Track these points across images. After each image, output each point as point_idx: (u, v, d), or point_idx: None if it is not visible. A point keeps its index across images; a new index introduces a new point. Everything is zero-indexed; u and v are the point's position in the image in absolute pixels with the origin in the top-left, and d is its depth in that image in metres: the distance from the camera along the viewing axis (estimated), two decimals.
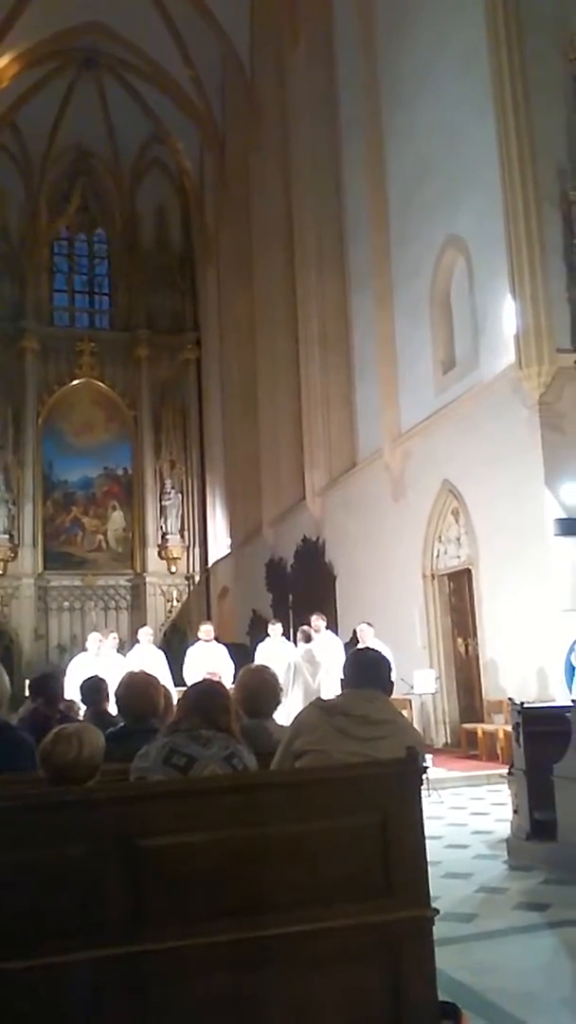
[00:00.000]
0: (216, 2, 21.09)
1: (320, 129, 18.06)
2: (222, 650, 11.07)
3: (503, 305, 11.15)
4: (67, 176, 28.01)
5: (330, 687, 9.53)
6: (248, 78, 21.94)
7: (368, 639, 10.16)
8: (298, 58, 18.69)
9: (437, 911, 2.37)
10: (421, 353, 13.88)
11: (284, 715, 3.71)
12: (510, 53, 10.88)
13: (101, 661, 9.86)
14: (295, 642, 11.00)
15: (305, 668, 9.94)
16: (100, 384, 26.67)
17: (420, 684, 11.16)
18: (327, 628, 11.22)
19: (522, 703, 6.59)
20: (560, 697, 9.29)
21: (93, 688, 5.38)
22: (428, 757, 9.22)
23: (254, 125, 21.82)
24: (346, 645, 10.96)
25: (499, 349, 11.34)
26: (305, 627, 10.76)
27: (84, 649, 11.04)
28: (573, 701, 6.37)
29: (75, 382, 26.43)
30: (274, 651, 10.78)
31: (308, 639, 10.43)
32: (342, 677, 3.04)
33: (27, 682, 8.73)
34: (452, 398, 12.68)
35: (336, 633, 12.36)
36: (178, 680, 9.86)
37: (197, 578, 26.77)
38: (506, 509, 11.10)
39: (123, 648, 12.14)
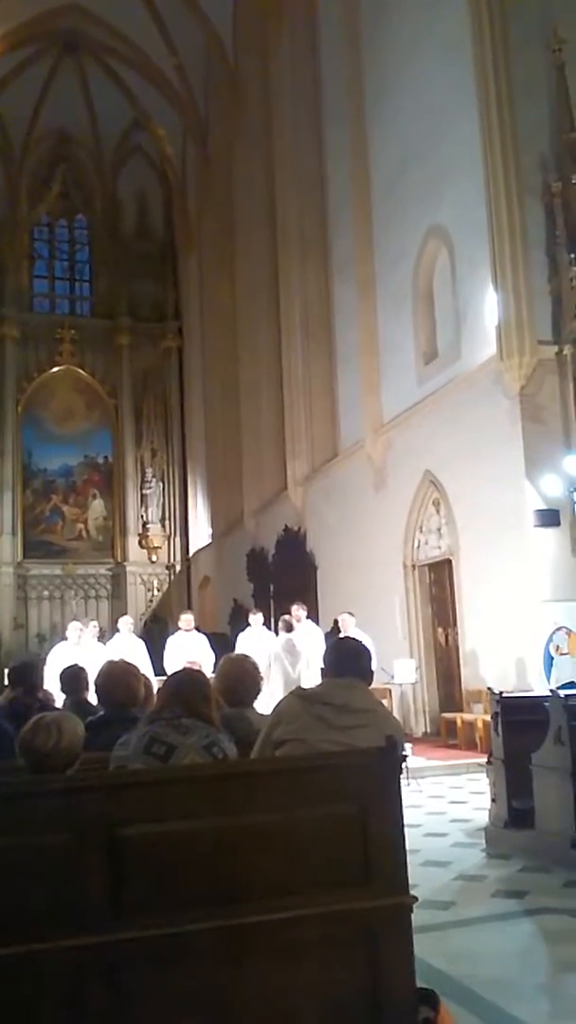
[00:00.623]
0: None
1: (303, 118, 17.99)
2: (203, 639, 11.07)
3: (485, 296, 11.17)
4: (48, 162, 27.76)
5: (310, 676, 9.54)
6: (232, 66, 21.80)
7: (350, 629, 10.19)
8: (282, 47, 18.59)
9: (416, 899, 2.38)
10: (403, 343, 13.89)
11: (264, 704, 3.72)
12: (493, 44, 10.87)
13: (81, 650, 9.82)
14: (276, 632, 11.01)
15: (285, 658, 9.96)
16: (81, 372, 26.52)
17: (400, 673, 11.21)
18: (308, 618, 11.23)
19: (501, 693, 6.63)
20: (538, 687, 9.36)
21: (73, 677, 5.36)
22: (407, 746, 9.30)
23: (237, 113, 21.69)
24: (327, 634, 10.98)
25: (481, 340, 11.36)
26: (286, 616, 10.77)
27: (64, 638, 11.00)
28: (551, 691, 6.43)
29: (55, 369, 26.27)
30: (255, 640, 10.80)
31: (289, 628, 10.43)
32: (322, 666, 3.04)
33: (6, 671, 8.67)
34: (434, 389, 12.70)
35: (317, 623, 12.39)
36: (159, 669, 9.84)
37: (178, 567, 26.74)
38: (487, 500, 11.15)
39: (104, 637, 12.09)
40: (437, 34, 12.69)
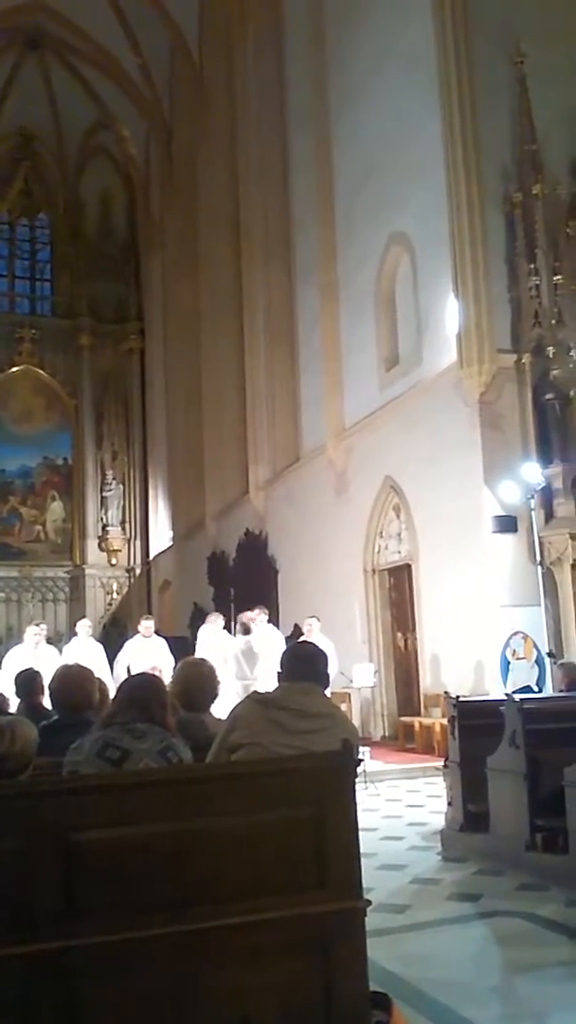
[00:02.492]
0: None
1: (268, 122, 18.03)
2: (162, 645, 10.98)
3: (446, 304, 11.28)
4: (10, 160, 27.46)
5: (268, 680, 9.54)
6: (197, 68, 21.76)
7: (314, 633, 10.20)
8: (247, 50, 18.61)
9: (369, 902, 2.39)
10: (365, 349, 13.97)
11: (222, 706, 3.70)
12: (457, 55, 11.00)
13: (38, 654, 9.70)
14: (235, 634, 10.97)
15: (243, 660, 9.93)
16: (40, 372, 26.24)
17: (359, 678, 11.25)
18: (268, 622, 11.21)
19: (457, 697, 6.69)
20: (495, 691, 9.46)
21: (27, 681, 5.28)
22: (365, 750, 9.34)
23: (202, 116, 21.66)
24: (289, 639, 10.97)
25: (441, 348, 11.47)
26: (244, 618, 10.74)
27: (20, 641, 10.85)
28: (507, 695, 6.50)
29: (14, 369, 25.96)
30: (214, 643, 10.75)
31: (247, 631, 10.41)
32: (279, 670, 3.04)
33: None
34: (395, 395, 12.79)
35: (278, 627, 12.38)
36: (115, 673, 9.75)
37: (138, 571, 26.57)
38: (446, 506, 11.25)
39: (60, 641, 11.96)
40: (402, 44, 12.80)
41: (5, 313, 26.86)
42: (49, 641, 11.00)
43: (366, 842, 2.51)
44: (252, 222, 18.26)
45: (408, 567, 12.57)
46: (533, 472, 10.18)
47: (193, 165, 22.65)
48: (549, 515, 10.42)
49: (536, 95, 10.92)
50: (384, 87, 13.40)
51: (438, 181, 11.20)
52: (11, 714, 4.63)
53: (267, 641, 10.33)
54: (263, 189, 17.92)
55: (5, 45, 24.73)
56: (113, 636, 20.21)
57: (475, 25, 11.04)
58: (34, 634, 10.26)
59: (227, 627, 11.88)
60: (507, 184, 10.88)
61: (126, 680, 2.97)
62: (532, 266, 10.57)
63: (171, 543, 24.64)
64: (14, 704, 5.35)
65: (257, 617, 10.76)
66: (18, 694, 5.28)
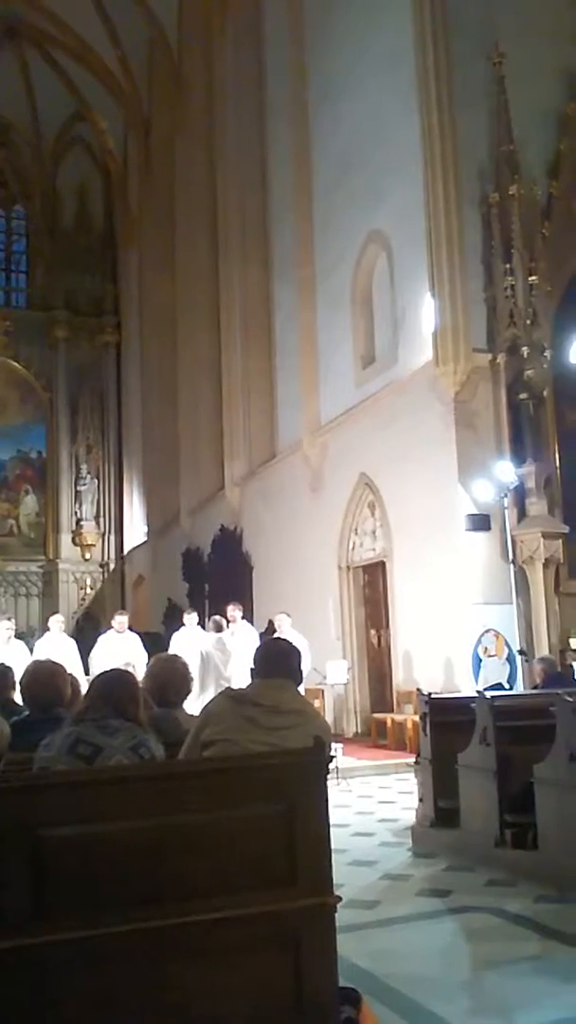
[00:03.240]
0: None
1: (246, 116, 17.97)
2: (135, 640, 10.95)
3: (422, 303, 11.32)
4: None
5: (241, 677, 9.54)
6: (175, 61, 21.66)
7: (285, 629, 10.22)
8: (226, 44, 18.55)
9: (339, 899, 2.40)
10: (342, 346, 13.99)
11: (196, 704, 3.70)
12: (436, 54, 11.03)
13: (10, 649, 9.64)
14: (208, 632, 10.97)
15: (216, 657, 9.93)
16: (15, 364, 26.02)
17: (333, 674, 11.28)
18: (243, 618, 11.22)
19: (430, 693, 6.72)
20: (467, 688, 9.53)
21: None
22: (337, 747, 9.37)
23: (180, 109, 21.56)
24: (262, 635, 10.98)
25: (417, 346, 11.51)
26: (217, 616, 10.74)
27: None
28: (478, 692, 6.55)
29: None
30: (189, 640, 10.73)
31: (219, 628, 10.42)
32: (252, 667, 3.04)
33: None
34: (371, 392, 12.82)
35: (252, 623, 12.39)
36: (88, 669, 9.71)
37: (112, 566, 26.44)
38: (420, 504, 11.30)
39: (32, 636, 11.86)
40: (381, 41, 12.81)
41: None
42: (20, 636, 10.93)
43: (337, 838, 2.52)
44: (229, 217, 18.21)
45: (382, 564, 12.61)
46: (507, 471, 10.26)
47: (171, 158, 22.55)
48: (522, 514, 10.50)
49: (514, 95, 10.97)
50: (363, 84, 13.41)
51: (416, 179, 11.24)
52: None
53: (241, 639, 10.34)
54: (241, 184, 17.88)
55: None
56: (87, 631, 20.09)
57: (454, 24, 11.07)
58: (5, 628, 10.19)
59: (200, 623, 11.87)
60: (484, 184, 10.93)
61: (98, 676, 2.95)
62: (508, 266, 10.63)
63: (145, 538, 24.55)
64: None
65: (234, 614, 10.78)
66: None
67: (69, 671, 4.02)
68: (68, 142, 27.69)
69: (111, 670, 3.04)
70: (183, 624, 11.52)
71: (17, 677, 4.61)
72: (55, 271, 26.94)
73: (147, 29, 21.79)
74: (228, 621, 10.74)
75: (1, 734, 2.63)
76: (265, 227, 17.61)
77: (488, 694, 6.08)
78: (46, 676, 3.73)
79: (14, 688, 4.87)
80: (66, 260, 27.08)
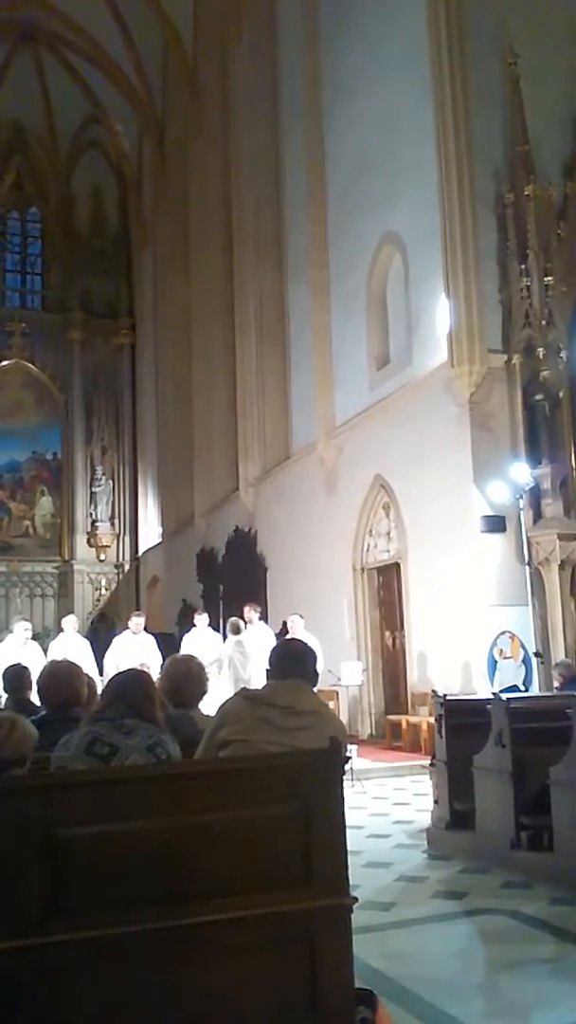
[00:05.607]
0: None
1: (261, 119, 18.00)
2: (150, 641, 10.97)
3: (437, 304, 11.30)
4: (1, 152, 27.36)
5: (260, 678, 9.56)
6: (190, 64, 21.72)
7: (298, 630, 10.21)
8: (241, 47, 18.58)
9: (355, 900, 2.39)
10: (356, 348, 13.98)
11: (212, 705, 3.71)
12: (450, 56, 11.01)
13: (27, 649, 9.69)
14: (223, 633, 10.99)
15: (236, 659, 9.95)
16: (31, 366, 26.16)
17: (347, 676, 11.27)
18: (260, 619, 11.23)
19: (445, 695, 6.71)
20: (482, 690, 9.50)
21: (15, 676, 5.28)
22: (352, 748, 9.37)
23: (195, 112, 21.62)
24: (276, 636, 10.98)
25: (432, 347, 11.49)
26: (234, 619, 10.74)
27: (10, 631, 10.81)
28: (494, 694, 6.53)
29: (5, 363, 25.87)
30: (200, 641, 10.75)
31: (237, 630, 10.42)
32: (267, 667, 3.05)
33: None
34: (386, 394, 12.80)
35: (266, 624, 12.38)
36: (103, 670, 9.74)
37: (127, 567, 26.52)
38: (435, 505, 11.27)
39: (47, 637, 11.92)
40: (396, 43, 12.80)
41: None
42: (36, 637, 10.99)
43: (352, 840, 2.52)
44: (244, 219, 18.24)
45: (397, 566, 12.59)
46: (522, 472, 10.22)
47: (185, 161, 22.61)
48: (537, 515, 10.46)
49: (529, 96, 10.94)
50: (377, 86, 13.40)
51: (430, 181, 11.22)
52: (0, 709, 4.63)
53: (258, 639, 10.35)
54: (255, 186, 17.90)
55: None
56: (101, 632, 20.19)
57: (468, 25, 11.05)
58: (23, 630, 10.24)
59: (213, 624, 11.89)
60: (499, 185, 10.90)
61: (114, 676, 2.97)
62: (523, 267, 10.59)
63: (160, 539, 24.60)
64: (2, 699, 5.35)
65: (251, 615, 10.80)
66: (6, 689, 5.28)
67: (85, 671, 4.04)
68: (83, 145, 27.82)
69: (127, 670, 3.06)
70: (194, 625, 11.54)
71: (33, 677, 4.64)
72: (70, 273, 27.06)
73: (162, 33, 21.87)
74: (245, 622, 10.76)
75: (29, 735, 2.65)
76: (279, 229, 17.63)
77: (504, 696, 6.05)
78: (63, 676, 3.75)
79: (31, 688, 4.90)
80: (81, 262, 27.20)
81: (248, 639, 10.33)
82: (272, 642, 10.15)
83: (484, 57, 11.06)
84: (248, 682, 9.48)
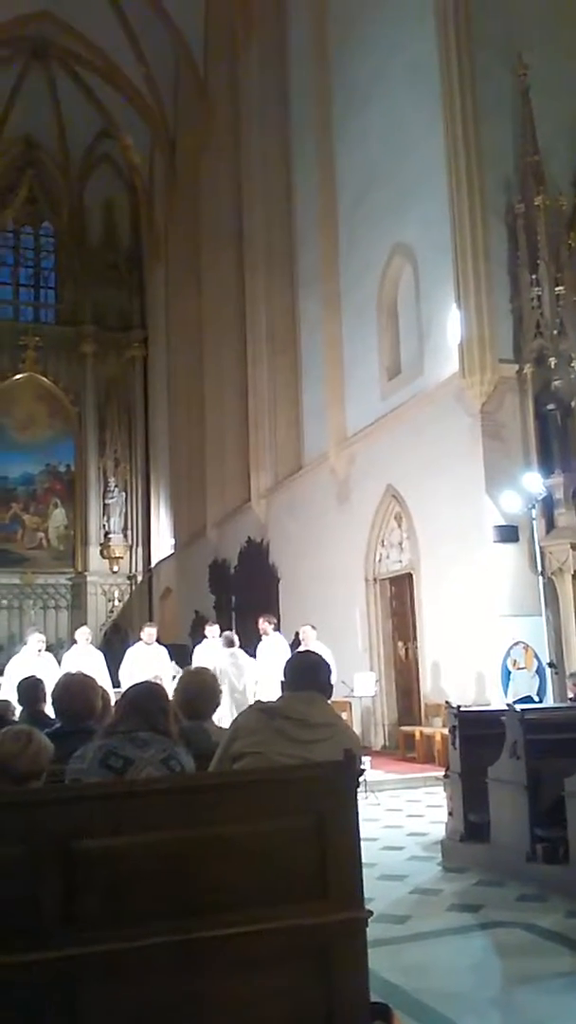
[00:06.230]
0: (171, 1, 20.99)
1: (271, 131, 18.10)
2: (163, 653, 11.00)
3: (448, 314, 11.31)
4: (14, 168, 27.58)
5: (254, 691, 9.79)
6: (201, 78, 21.88)
7: (311, 641, 10.21)
8: (251, 60, 18.71)
9: (371, 913, 2.39)
10: (367, 358, 14.00)
11: (214, 719, 3.74)
12: (460, 67, 11.05)
13: (42, 661, 9.73)
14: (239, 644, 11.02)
15: (231, 672, 10.00)
16: (44, 379, 26.31)
17: (360, 687, 11.25)
18: (274, 630, 11.25)
19: (459, 707, 6.68)
20: (496, 701, 9.45)
21: (30, 688, 5.30)
22: (366, 760, 9.35)
23: (206, 125, 21.76)
24: (290, 647, 10.98)
25: (443, 357, 11.50)
26: (228, 632, 10.84)
27: (25, 643, 10.86)
28: (508, 705, 6.50)
29: (18, 376, 26.03)
30: (211, 653, 10.77)
31: (231, 643, 10.53)
32: (282, 679, 3.05)
33: None
34: (397, 404, 12.81)
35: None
36: (117, 681, 9.77)
37: (140, 578, 26.57)
38: (448, 515, 11.26)
39: (61, 648, 11.95)
40: (405, 55, 12.86)
41: (9, 321, 26.93)
42: (49, 648, 11.03)
43: (366, 852, 2.51)
44: (255, 231, 18.33)
45: (409, 576, 12.57)
46: (534, 482, 10.20)
47: (196, 174, 22.75)
48: (550, 525, 10.42)
49: (539, 107, 10.97)
50: (387, 98, 13.46)
51: (441, 192, 11.25)
52: (14, 721, 4.64)
53: (272, 651, 10.39)
54: (266, 198, 17.99)
55: (11, 54, 24.87)
56: (115, 643, 20.22)
57: (478, 37, 11.10)
58: (37, 641, 10.28)
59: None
60: (509, 195, 10.92)
61: (129, 689, 2.98)
62: (534, 277, 10.60)
63: (173, 551, 24.65)
64: (17, 711, 5.36)
65: (265, 627, 10.86)
66: (20, 701, 5.30)
67: (99, 684, 4.05)
68: (95, 159, 28.03)
69: (142, 683, 3.07)
70: (205, 637, 11.56)
71: (47, 689, 4.66)
72: (83, 287, 27.23)
73: (173, 46, 22.04)
74: (261, 633, 10.82)
75: (45, 749, 2.67)
76: (290, 241, 17.70)
77: (518, 707, 6.03)
78: (78, 688, 3.77)
79: (45, 700, 4.92)
80: (93, 276, 27.37)
81: (242, 653, 10.42)
82: (287, 654, 10.16)
83: (494, 68, 11.10)
84: (243, 693, 9.60)
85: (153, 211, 27.05)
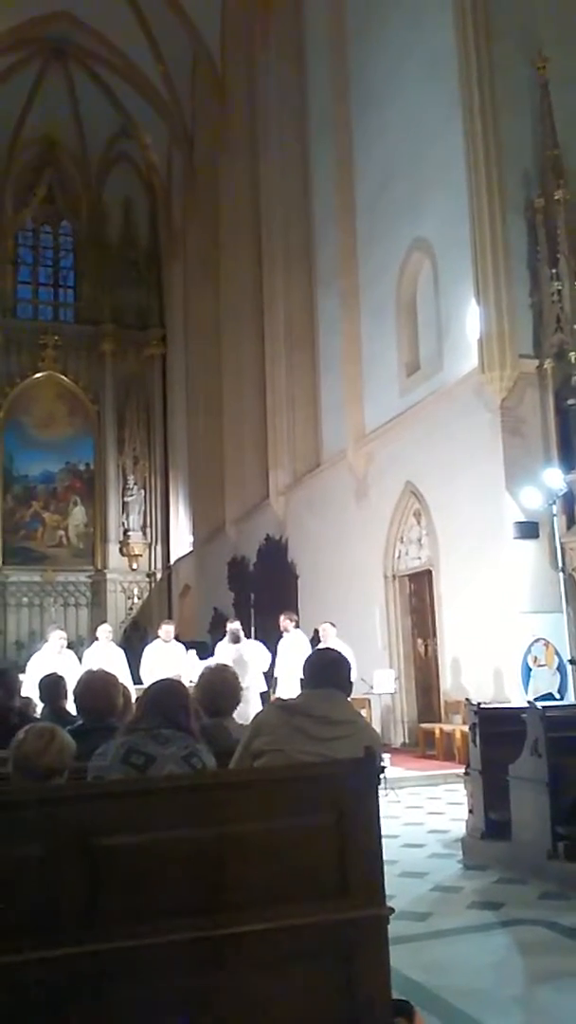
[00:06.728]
0: None
1: (289, 128, 18.08)
2: (180, 650, 11.03)
3: (467, 309, 11.26)
4: (33, 167, 27.73)
5: (258, 688, 9.90)
6: (218, 76, 21.89)
7: (330, 639, 10.21)
8: (268, 58, 18.69)
9: (392, 910, 2.39)
10: (386, 355, 13.96)
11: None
12: (478, 60, 11.00)
13: (62, 659, 9.78)
14: (259, 639, 11.05)
15: (235, 669, 10.03)
16: (63, 378, 26.45)
17: (379, 684, 11.23)
18: (295, 627, 11.26)
19: (479, 704, 6.66)
20: (516, 698, 9.41)
21: (52, 685, 5.33)
22: (386, 757, 9.35)
23: (223, 123, 21.77)
24: (309, 644, 10.99)
25: (462, 353, 11.45)
26: (234, 628, 10.85)
27: (46, 640, 10.92)
28: (529, 702, 6.47)
29: (38, 375, 26.18)
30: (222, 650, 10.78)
31: (236, 640, 10.57)
32: (302, 677, 3.05)
33: None
34: (416, 400, 12.77)
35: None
36: (138, 678, 9.81)
37: (159, 575, 26.66)
38: (467, 511, 11.21)
39: (81, 646, 12.00)
40: (423, 50, 12.81)
41: (29, 320, 27.10)
42: (70, 646, 11.09)
43: (387, 849, 2.51)
44: (273, 228, 18.32)
45: (429, 573, 12.53)
46: (555, 478, 10.13)
47: (214, 172, 22.77)
48: (571, 521, 10.35)
49: (558, 100, 10.88)
50: (405, 93, 13.41)
51: (460, 187, 11.20)
52: (36, 718, 4.68)
53: (293, 648, 10.41)
54: (284, 196, 17.98)
55: (30, 54, 25.00)
56: (134, 640, 20.31)
57: (496, 30, 11.03)
58: (58, 639, 10.34)
59: (245, 632, 11.91)
60: (529, 189, 10.86)
61: (150, 686, 2.99)
62: (554, 271, 10.53)
63: (191, 548, 24.71)
64: (39, 708, 5.40)
65: (287, 624, 10.88)
66: (42, 699, 5.33)
67: (120, 681, 4.07)
68: (113, 158, 28.12)
69: (162, 680, 3.08)
70: (225, 634, 11.57)
71: (69, 687, 4.68)
72: (102, 286, 27.33)
73: (190, 45, 22.07)
74: (282, 630, 10.84)
75: (68, 747, 2.69)
76: (309, 237, 17.68)
77: (539, 704, 6.00)
78: (100, 686, 3.79)
79: (67, 697, 4.95)
80: (112, 275, 27.47)
81: (246, 649, 10.43)
82: (308, 651, 10.17)
83: (512, 62, 11.03)
84: (247, 690, 9.62)
85: (171, 209, 27.10)
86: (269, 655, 10.69)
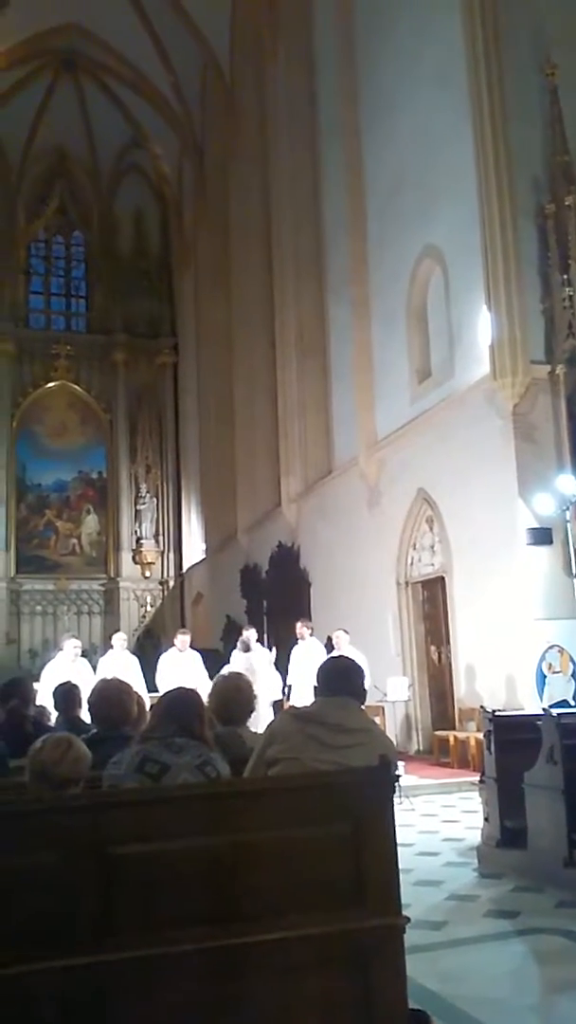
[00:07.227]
0: (196, 8, 21.15)
1: (299, 137, 18.14)
2: (196, 658, 11.03)
3: (478, 316, 11.24)
4: (45, 178, 27.90)
5: (266, 697, 9.84)
6: (228, 85, 21.99)
7: (344, 646, 10.21)
8: (278, 66, 18.76)
9: (408, 919, 2.38)
10: (397, 361, 13.96)
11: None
12: (488, 67, 11.00)
13: (76, 667, 9.79)
14: (270, 648, 11.05)
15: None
16: (76, 387, 26.57)
17: (393, 691, 11.20)
18: (311, 635, 11.27)
19: (494, 711, 6.63)
20: (531, 705, 9.37)
21: (66, 694, 5.34)
22: (400, 765, 9.32)
23: (233, 132, 21.87)
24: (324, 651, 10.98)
25: (474, 359, 11.43)
26: (244, 638, 10.87)
27: (60, 649, 10.94)
28: (544, 709, 6.44)
29: (50, 385, 26.30)
30: (248, 658, 10.79)
31: (247, 649, 10.59)
32: (315, 684, 3.05)
33: None
34: (427, 407, 12.76)
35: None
36: (152, 686, 9.81)
37: (172, 583, 26.69)
38: (480, 518, 11.18)
39: (94, 654, 12.02)
40: (432, 56, 12.83)
41: (41, 330, 27.26)
42: (84, 654, 11.11)
43: (402, 857, 2.50)
44: (283, 237, 18.37)
45: (442, 580, 12.50)
46: (568, 483, 10.09)
47: (225, 181, 22.86)
48: None
49: (568, 106, 10.88)
50: (415, 99, 13.43)
51: (470, 193, 11.20)
52: (50, 727, 4.69)
53: (309, 656, 10.42)
54: (294, 204, 18.03)
55: (40, 67, 25.17)
56: (147, 648, 20.34)
57: (505, 36, 11.04)
58: (72, 647, 10.36)
59: (259, 640, 11.93)
60: (539, 195, 10.84)
61: (164, 695, 3.00)
62: (565, 277, 10.50)
63: (204, 556, 24.74)
64: (53, 717, 5.41)
65: (303, 632, 10.90)
66: (57, 707, 5.34)
67: (134, 690, 4.08)
68: (124, 169, 28.27)
69: (176, 689, 3.08)
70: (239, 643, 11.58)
71: (83, 695, 4.69)
72: (113, 295, 27.47)
73: (199, 55, 22.19)
74: (298, 637, 10.84)
75: (85, 756, 2.70)
76: (319, 246, 17.72)
77: (554, 712, 5.97)
78: (114, 695, 3.80)
79: (81, 706, 4.96)
80: (124, 284, 27.60)
81: (256, 658, 10.46)
82: (323, 658, 10.17)
83: (521, 67, 11.03)
84: (256, 698, 9.61)
85: (182, 219, 27.22)
86: (276, 676, 10.74)
